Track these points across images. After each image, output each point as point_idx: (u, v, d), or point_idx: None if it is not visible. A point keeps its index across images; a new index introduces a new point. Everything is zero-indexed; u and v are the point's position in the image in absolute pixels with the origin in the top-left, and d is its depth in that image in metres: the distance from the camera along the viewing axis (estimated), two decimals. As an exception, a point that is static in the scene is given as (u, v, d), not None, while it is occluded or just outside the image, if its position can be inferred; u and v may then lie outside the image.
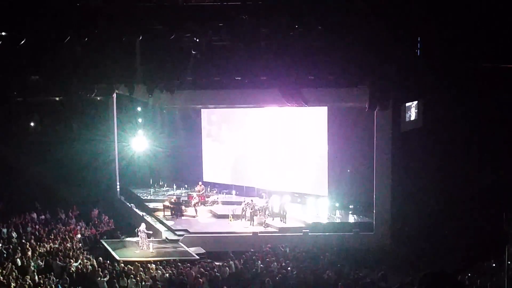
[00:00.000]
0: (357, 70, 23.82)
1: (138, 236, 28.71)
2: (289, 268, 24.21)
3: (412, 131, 27.87)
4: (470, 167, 26.78)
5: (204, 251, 28.49)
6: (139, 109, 40.28)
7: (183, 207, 34.16)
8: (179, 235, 30.56)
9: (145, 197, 38.13)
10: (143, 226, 28.96)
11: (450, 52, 23.05)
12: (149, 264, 25.27)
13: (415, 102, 27.55)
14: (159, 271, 24.22)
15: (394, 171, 28.53)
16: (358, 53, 22.15)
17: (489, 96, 25.56)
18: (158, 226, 32.72)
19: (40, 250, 27.04)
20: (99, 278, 23.18)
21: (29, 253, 26.15)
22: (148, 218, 34.00)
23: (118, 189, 38.22)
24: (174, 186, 39.43)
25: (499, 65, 23.07)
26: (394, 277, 22.84)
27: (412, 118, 27.84)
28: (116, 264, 25.43)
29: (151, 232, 29.76)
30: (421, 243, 26.25)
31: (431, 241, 26.19)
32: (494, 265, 23.27)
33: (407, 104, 27.69)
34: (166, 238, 30.58)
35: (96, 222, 34.02)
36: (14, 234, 30.10)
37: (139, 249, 28.30)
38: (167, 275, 23.80)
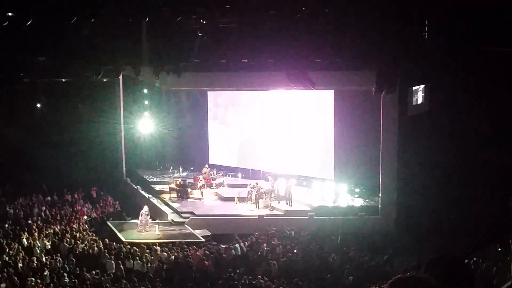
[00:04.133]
0: (364, 53, 23.75)
1: (140, 216, 28.85)
2: (294, 251, 24.29)
3: (418, 115, 27.78)
4: (477, 151, 26.70)
5: (210, 233, 28.58)
6: (145, 91, 40.18)
7: (189, 190, 34.18)
8: (185, 218, 30.63)
9: (151, 179, 38.15)
10: (145, 209, 29.02)
11: (457, 35, 22.93)
12: (154, 246, 25.35)
13: (422, 86, 27.45)
14: (165, 253, 24.31)
15: (400, 155, 28.46)
16: (365, 36, 22.07)
17: (497, 80, 25.43)
18: (164, 208, 32.77)
19: (46, 231, 27.15)
20: (105, 260, 23.28)
21: (36, 234, 26.27)
22: (154, 200, 34.04)
23: (124, 171, 38.24)
24: (180, 169, 39.42)
25: (507, 49, 22.94)
26: (399, 261, 22.88)
27: (419, 101, 27.75)
28: (122, 246, 25.53)
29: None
30: (426, 227, 26.23)
31: (437, 225, 26.18)
32: (499, 249, 23.24)
33: (414, 88, 27.59)
34: (172, 220, 30.65)
35: (101, 203, 34.10)
36: (21, 215, 30.21)
37: (142, 231, 28.42)
38: (173, 257, 23.89)
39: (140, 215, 28.79)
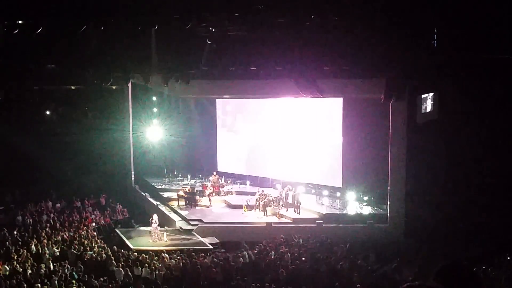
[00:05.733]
0: (373, 61, 23.75)
1: (151, 225, 28.85)
2: (302, 259, 24.23)
3: (427, 123, 27.72)
4: (485, 159, 26.62)
5: (218, 241, 28.59)
6: (154, 98, 40.34)
7: (197, 197, 34.21)
8: (193, 225, 30.62)
9: (160, 187, 38.21)
10: (155, 217, 29.02)
11: (466, 44, 22.90)
12: (163, 253, 25.36)
13: (431, 94, 27.40)
14: (173, 260, 24.31)
15: (409, 163, 28.40)
16: (374, 44, 22.08)
17: (506, 88, 25.37)
18: (172, 215, 32.77)
19: (55, 238, 27.21)
20: (113, 267, 23.29)
21: (45, 241, 26.33)
22: (162, 208, 34.08)
23: (133, 178, 38.34)
24: (189, 176, 39.51)
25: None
26: (407, 269, 22.81)
27: (428, 109, 27.69)
28: (130, 253, 25.56)
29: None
30: (435, 236, 26.15)
31: (446, 233, 26.09)
32: (509, 258, 23.17)
33: (423, 96, 27.53)
34: (180, 227, 30.65)
35: (109, 211, 34.16)
36: (29, 222, 30.30)
37: (151, 239, 28.47)
38: (181, 264, 23.88)
39: (151, 224, 28.80)
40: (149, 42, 22.72)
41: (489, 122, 26.49)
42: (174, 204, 34.58)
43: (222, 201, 34.99)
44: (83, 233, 28.72)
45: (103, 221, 32.18)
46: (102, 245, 27.04)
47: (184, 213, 32.71)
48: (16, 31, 19.78)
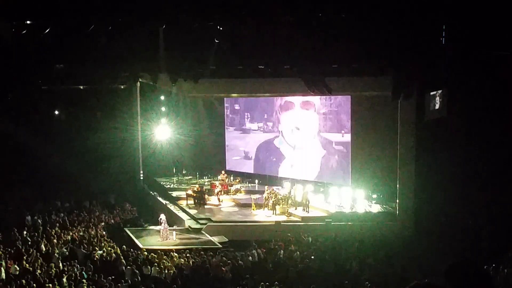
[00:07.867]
0: (381, 58, 23.66)
1: (160, 225, 28.83)
2: (312, 257, 24.21)
3: (436, 120, 27.62)
4: (495, 156, 26.51)
5: (227, 240, 28.55)
6: (162, 97, 40.39)
7: (206, 196, 34.21)
8: (202, 224, 30.63)
9: (168, 186, 38.29)
10: (163, 217, 28.99)
11: (475, 40, 22.77)
12: (172, 253, 25.37)
13: (440, 91, 27.29)
14: (182, 260, 24.32)
15: (418, 160, 28.33)
16: (382, 41, 21.99)
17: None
18: (181, 214, 32.80)
19: (64, 238, 27.27)
20: (122, 266, 23.31)
21: (54, 240, 26.38)
22: (171, 207, 34.11)
23: (142, 178, 38.40)
24: (197, 175, 39.56)
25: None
26: (417, 267, 22.73)
27: (437, 107, 27.58)
28: (139, 252, 25.59)
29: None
30: (444, 233, 26.06)
31: (455, 231, 25.99)
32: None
33: (432, 93, 27.42)
34: (189, 226, 30.66)
35: (118, 210, 34.22)
36: (39, 222, 30.37)
37: (160, 238, 28.45)
38: (190, 263, 23.89)
39: (160, 223, 28.76)
40: (157, 41, 22.72)
41: (498, 119, 26.36)
42: (183, 203, 34.59)
43: (231, 200, 35.00)
44: (92, 232, 28.79)
45: (112, 221, 32.25)
46: (111, 244, 27.09)
47: (193, 212, 32.72)
48: (24, 31, 19.83)
